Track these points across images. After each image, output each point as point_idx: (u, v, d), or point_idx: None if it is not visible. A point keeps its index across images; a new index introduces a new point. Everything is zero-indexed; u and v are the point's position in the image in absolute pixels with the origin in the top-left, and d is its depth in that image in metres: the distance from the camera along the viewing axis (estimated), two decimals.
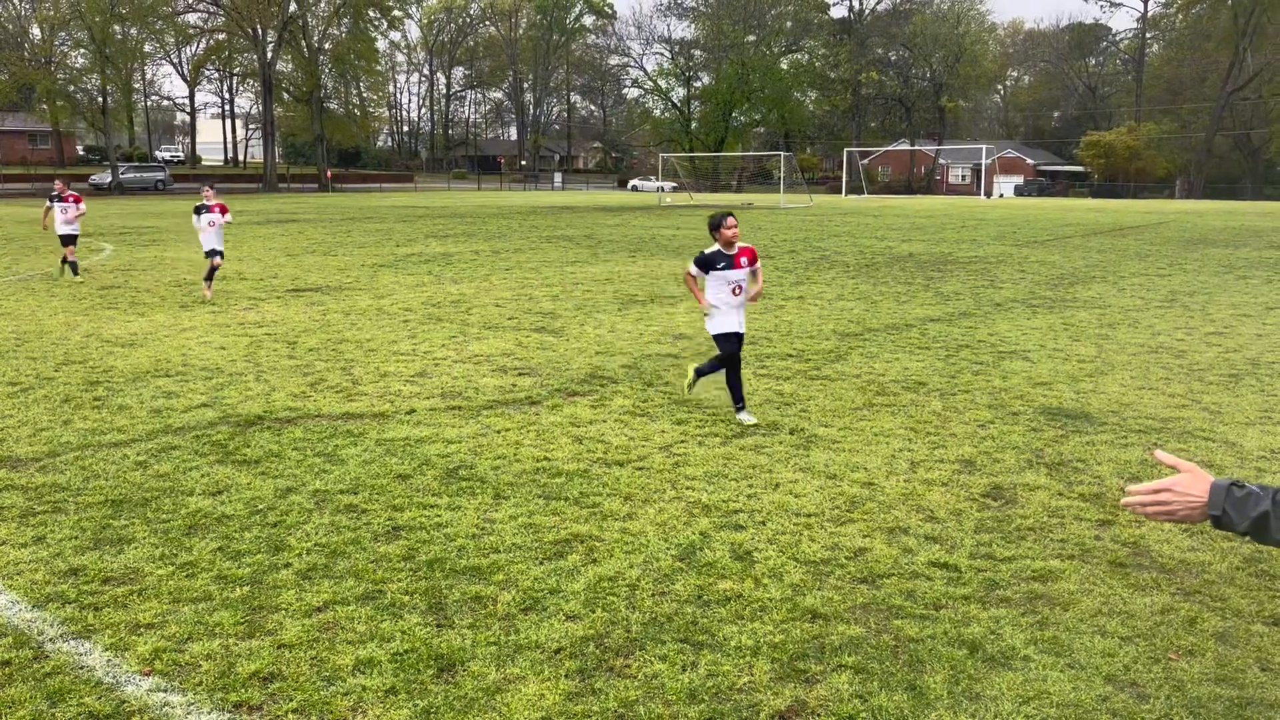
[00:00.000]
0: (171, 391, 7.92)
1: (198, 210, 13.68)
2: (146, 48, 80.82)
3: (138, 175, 66.96)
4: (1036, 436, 6.80)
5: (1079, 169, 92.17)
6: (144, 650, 3.71)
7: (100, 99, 69.38)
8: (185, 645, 3.76)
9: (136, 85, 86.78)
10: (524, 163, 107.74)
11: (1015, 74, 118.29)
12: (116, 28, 67.87)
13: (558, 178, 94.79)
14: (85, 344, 10.06)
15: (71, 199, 15.73)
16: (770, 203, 55.91)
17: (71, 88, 68.88)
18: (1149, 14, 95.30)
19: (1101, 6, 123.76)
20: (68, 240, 15.64)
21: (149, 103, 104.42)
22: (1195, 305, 13.59)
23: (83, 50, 68.85)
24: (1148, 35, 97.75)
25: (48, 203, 15.93)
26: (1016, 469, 6.07)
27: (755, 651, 3.76)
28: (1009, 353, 9.93)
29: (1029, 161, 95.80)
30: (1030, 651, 3.80)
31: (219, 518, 5.11)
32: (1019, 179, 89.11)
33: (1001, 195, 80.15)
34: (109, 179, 64.51)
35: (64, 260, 15.74)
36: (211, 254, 13.60)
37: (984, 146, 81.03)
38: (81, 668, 3.60)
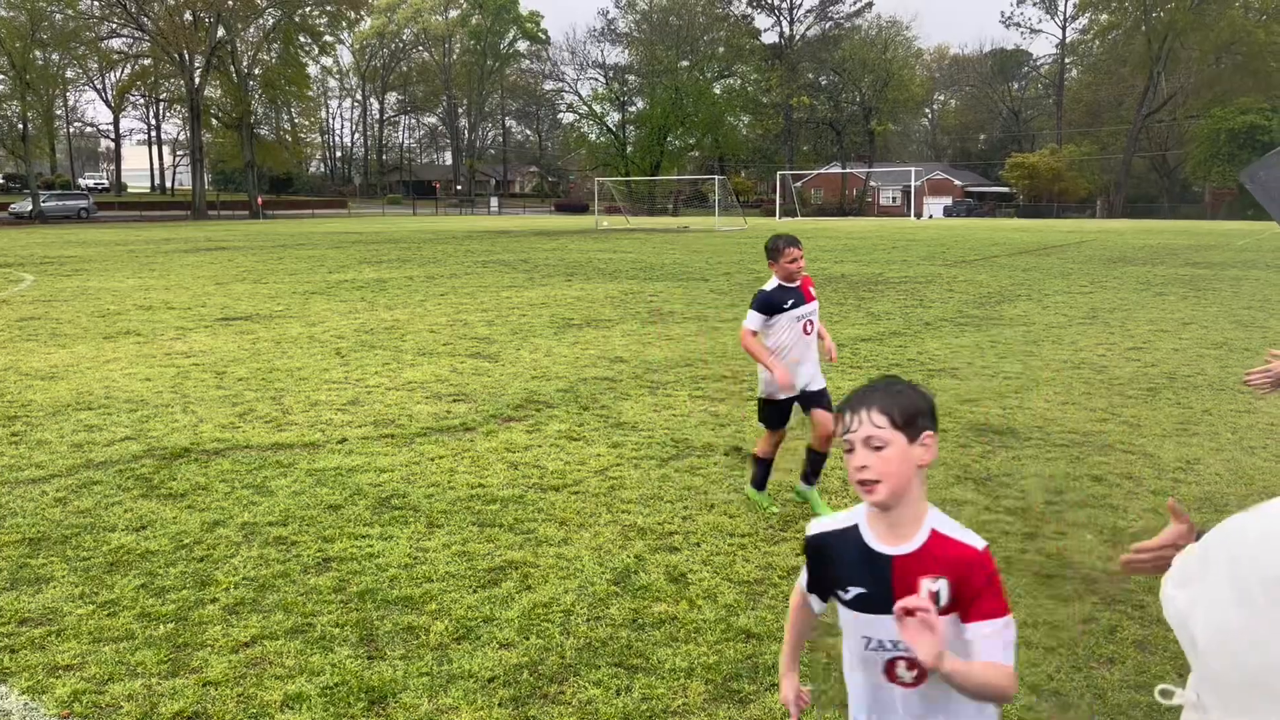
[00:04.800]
0: (94, 425, 7.72)
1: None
2: (69, 73, 79.03)
3: (60, 203, 65.11)
4: (965, 452, 6.94)
5: (1005, 190, 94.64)
6: (63, 692, 3.60)
7: (20, 126, 67.65)
8: (105, 686, 3.66)
9: (59, 111, 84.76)
10: (459, 188, 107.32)
11: (942, 98, 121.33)
12: (37, 53, 66.36)
13: (494, 202, 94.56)
14: (2, 378, 9.76)
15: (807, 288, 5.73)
16: (705, 225, 56.41)
17: None
18: (1067, 40, 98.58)
19: (1022, 33, 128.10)
20: (815, 401, 5.66)
21: (72, 129, 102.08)
22: (1115, 322, 14.01)
23: (2, 76, 67.11)
24: (1066, 61, 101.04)
25: (765, 318, 5.53)
26: (945, 484, 6.19)
27: (689, 673, 3.78)
28: (938, 370, 10.13)
29: (957, 183, 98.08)
30: None
31: (142, 554, 4.98)
32: (948, 200, 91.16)
33: (931, 216, 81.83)
34: (30, 207, 62.74)
35: (759, 459, 5.82)
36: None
37: (913, 169, 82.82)
38: None
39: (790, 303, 5.52)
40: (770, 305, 5.52)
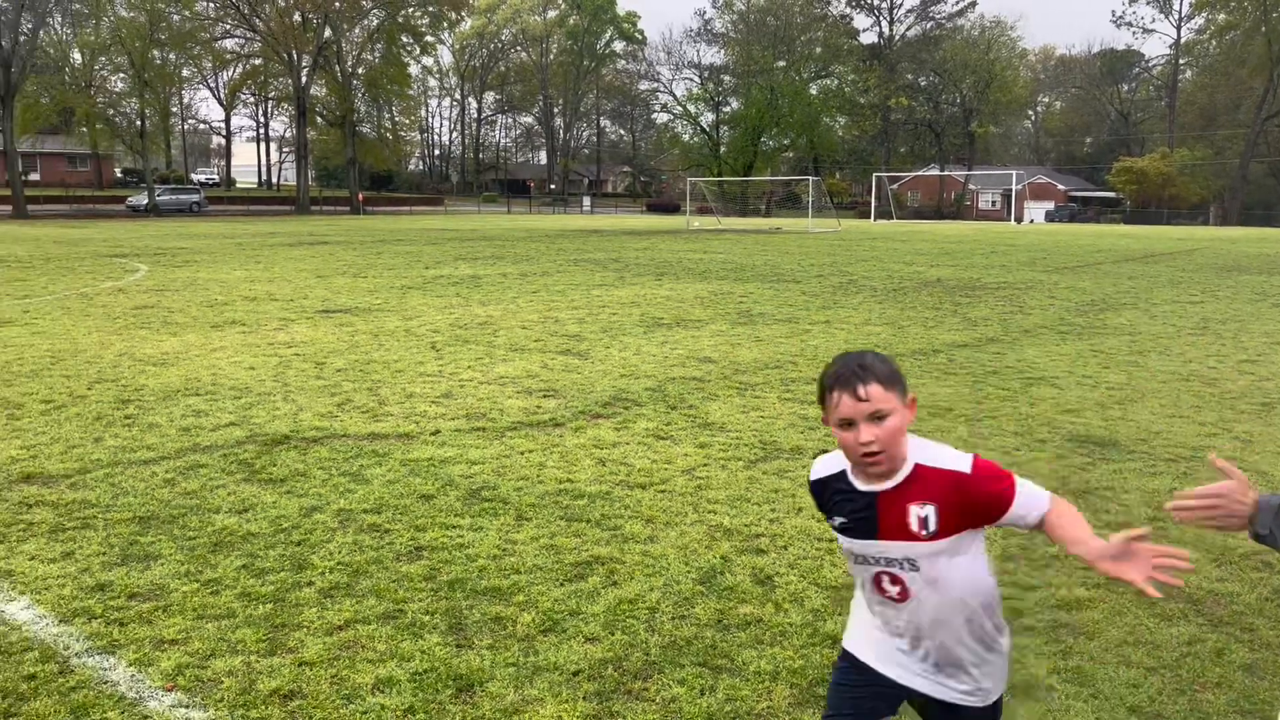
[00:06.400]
0: (201, 410, 8.02)
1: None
2: (184, 72, 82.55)
3: (173, 197, 68.03)
4: (1063, 464, 6.73)
5: (1111, 195, 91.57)
6: (167, 666, 3.75)
7: (138, 122, 70.83)
8: (208, 662, 3.80)
9: (174, 109, 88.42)
10: (553, 186, 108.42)
11: (1046, 99, 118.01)
12: (155, 53, 69.32)
13: (586, 201, 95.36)
14: (118, 363, 10.21)
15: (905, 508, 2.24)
16: (798, 227, 55.93)
17: (110, 111, 70.32)
18: (1182, 40, 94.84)
19: (1134, 33, 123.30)
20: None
21: (186, 126, 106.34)
22: (1228, 333, 13.43)
23: (122, 75, 70.42)
24: (1181, 62, 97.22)
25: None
26: None
27: (774, 676, 3.74)
28: (1037, 379, 9.85)
29: (1060, 187, 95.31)
30: (1054, 681, 3.75)
31: (244, 535, 5.16)
32: (1050, 204, 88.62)
33: (1032, 221, 79.66)
34: (145, 201, 65.63)
35: None
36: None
37: (1014, 172, 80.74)
38: (105, 682, 3.64)
39: (840, 520, 2.30)
40: (814, 494, 2.41)
